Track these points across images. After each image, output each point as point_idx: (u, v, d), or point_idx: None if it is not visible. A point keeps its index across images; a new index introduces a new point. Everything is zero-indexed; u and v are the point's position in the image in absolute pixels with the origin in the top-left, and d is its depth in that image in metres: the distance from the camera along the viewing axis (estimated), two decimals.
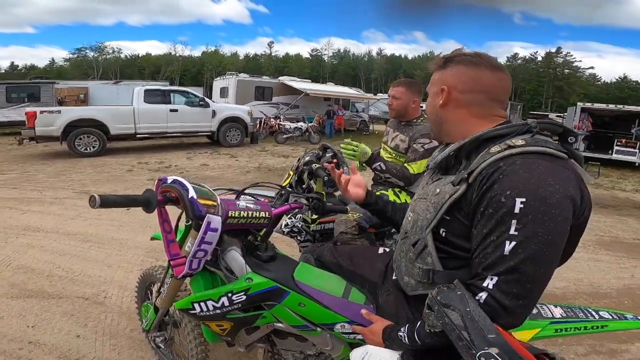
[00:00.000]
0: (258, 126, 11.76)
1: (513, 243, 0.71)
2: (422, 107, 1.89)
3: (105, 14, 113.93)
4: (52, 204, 4.46)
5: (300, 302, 1.11)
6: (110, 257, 2.97)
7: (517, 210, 0.71)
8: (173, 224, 1.19)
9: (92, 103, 13.45)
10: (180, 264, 1.13)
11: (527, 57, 65.34)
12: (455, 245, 0.84)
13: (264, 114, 13.03)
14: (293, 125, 12.09)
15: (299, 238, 1.98)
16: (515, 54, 68.40)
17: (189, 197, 1.03)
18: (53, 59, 70.51)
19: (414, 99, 2.04)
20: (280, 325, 1.18)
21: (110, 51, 63.00)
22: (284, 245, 2.57)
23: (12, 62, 71.52)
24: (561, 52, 59.52)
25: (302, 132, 12.03)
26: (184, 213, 1.15)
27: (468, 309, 0.71)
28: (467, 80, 0.90)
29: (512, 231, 0.71)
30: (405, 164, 1.98)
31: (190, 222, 1.16)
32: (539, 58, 62.57)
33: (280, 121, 12.42)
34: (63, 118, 7.74)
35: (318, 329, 1.13)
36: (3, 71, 66.50)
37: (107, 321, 2.12)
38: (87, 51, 61.30)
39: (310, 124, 12.48)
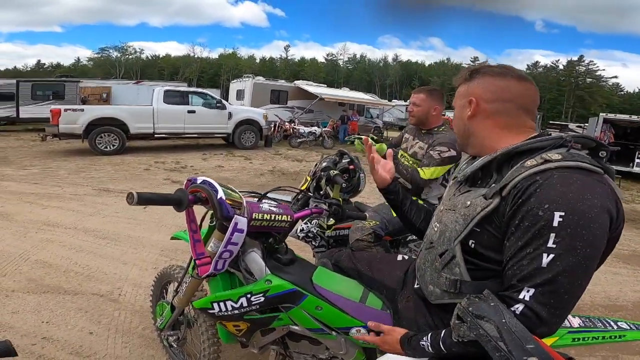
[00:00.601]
0: (272, 129, 11.85)
1: (551, 256, 0.72)
2: (444, 115, 1.87)
3: (128, 15, 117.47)
4: (71, 200, 4.59)
5: (318, 306, 1.12)
6: (126, 255, 3.03)
7: (555, 223, 0.72)
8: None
9: (113, 102, 13.81)
10: (205, 264, 1.15)
11: (548, 66, 64.35)
12: (484, 257, 0.85)
13: (279, 118, 13.17)
14: (307, 129, 12.15)
15: (313, 243, 1.99)
16: (537, 62, 67.55)
17: (218, 197, 1.05)
18: (78, 58, 72.88)
19: (434, 107, 2.02)
20: (295, 327, 1.19)
21: (132, 51, 64.81)
22: (297, 250, 2.56)
23: (39, 60, 74.28)
24: (583, 61, 58.17)
25: (316, 137, 12.07)
26: (207, 213, 1.18)
27: (504, 320, 0.72)
28: (494, 90, 0.91)
29: (550, 244, 0.72)
30: (418, 168, 1.95)
31: (214, 223, 1.19)
32: (561, 66, 61.48)
33: (294, 125, 12.51)
34: (86, 116, 7.97)
35: (333, 332, 1.14)
36: (29, 69, 69.08)
37: (120, 319, 2.15)
38: (111, 51, 63.22)
39: (324, 129, 12.52)
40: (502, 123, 0.91)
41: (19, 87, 13.49)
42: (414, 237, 2.00)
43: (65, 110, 7.94)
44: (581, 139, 0.84)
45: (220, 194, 1.06)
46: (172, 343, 1.59)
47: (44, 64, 72.71)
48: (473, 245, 0.86)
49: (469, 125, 0.95)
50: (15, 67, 73.42)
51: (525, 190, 0.76)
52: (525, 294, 0.75)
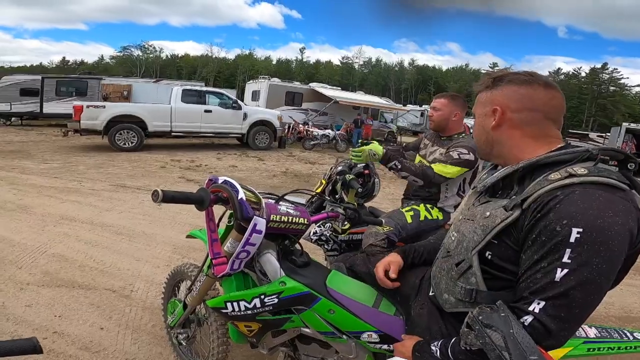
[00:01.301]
0: (286, 131, 11.90)
1: (565, 270, 0.72)
2: (469, 125, 1.82)
3: (150, 14, 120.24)
4: (89, 194, 4.70)
5: (330, 309, 1.12)
6: (140, 251, 3.08)
7: (572, 239, 0.71)
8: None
9: (134, 100, 14.13)
10: (222, 263, 1.16)
11: (570, 73, 62.76)
12: (501, 268, 0.84)
13: (293, 120, 13.21)
14: (321, 132, 12.16)
15: (326, 247, 1.99)
16: (559, 68, 65.82)
17: (239, 198, 1.06)
18: (102, 56, 74.98)
19: (455, 112, 1.96)
20: (307, 330, 1.19)
21: (153, 50, 66.19)
22: (308, 252, 2.55)
23: (64, 57, 76.86)
24: (607, 68, 56.53)
25: (329, 140, 12.08)
26: (225, 213, 1.19)
27: (511, 331, 0.72)
28: (520, 99, 0.88)
29: (565, 259, 0.72)
30: (432, 164, 1.88)
31: (231, 223, 1.20)
32: (583, 74, 59.80)
33: (308, 127, 12.53)
34: (107, 113, 8.19)
35: (344, 336, 1.14)
36: (54, 66, 71.44)
37: (131, 315, 2.18)
38: (133, 49, 64.62)
39: (337, 132, 12.51)
40: (528, 133, 0.88)
41: (44, 83, 13.97)
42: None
43: (87, 106, 8.16)
44: (609, 152, 0.81)
45: (241, 194, 1.07)
46: (182, 341, 1.60)
47: (69, 61, 75.31)
48: (490, 256, 0.85)
49: (492, 135, 0.93)
50: (41, 63, 76.25)
51: (545, 204, 0.75)
52: (536, 306, 0.74)
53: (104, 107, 8.42)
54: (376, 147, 1.83)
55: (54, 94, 14.09)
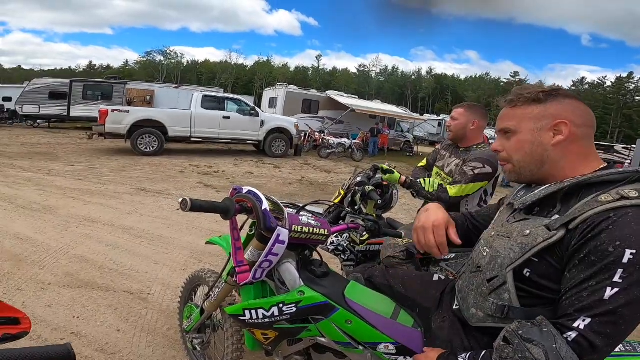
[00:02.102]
0: (302, 139, 11.95)
1: (616, 289, 0.71)
2: (488, 136, 1.81)
3: (171, 20, 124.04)
4: (111, 197, 4.84)
5: (348, 319, 1.12)
6: (158, 255, 3.14)
7: (625, 260, 0.71)
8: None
9: (155, 105, 14.53)
10: (245, 271, 1.18)
11: (594, 82, 61.00)
12: (539, 285, 0.83)
13: (309, 127, 13.29)
14: (337, 140, 12.19)
15: (342, 257, 1.99)
16: (583, 78, 64.05)
17: (263, 208, 1.08)
18: (127, 61, 77.37)
19: (473, 121, 1.94)
20: (322, 339, 1.19)
21: (175, 56, 67.69)
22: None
23: (91, 62, 79.93)
24: (633, 77, 54.67)
25: (345, 149, 12.08)
26: (246, 222, 1.21)
27: (554, 346, 0.72)
28: (582, 114, 0.88)
29: (615, 279, 0.72)
30: (447, 186, 1.89)
31: (252, 232, 1.22)
32: (608, 83, 58.06)
33: (324, 136, 12.57)
34: (130, 117, 8.46)
35: (360, 347, 1.13)
36: (82, 70, 74.30)
37: (147, 317, 2.21)
38: (155, 54, 66.14)
39: (353, 141, 12.48)
40: (583, 150, 0.87)
41: (72, 87, 14.54)
42: (446, 257, 1.95)
43: (113, 110, 8.46)
44: None
45: (265, 205, 1.09)
46: (196, 346, 1.62)
47: (95, 65, 78.16)
48: (528, 274, 0.84)
49: (551, 152, 0.88)
50: (70, 67, 79.47)
51: (597, 226, 0.74)
52: (581, 323, 0.74)
53: (128, 111, 8.70)
54: (394, 178, 1.95)
55: (81, 97, 14.62)
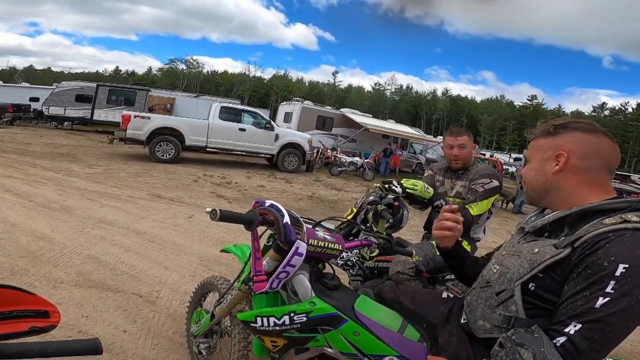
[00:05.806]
0: (315, 155, 12.00)
1: (607, 299, 0.76)
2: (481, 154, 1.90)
3: (193, 28, 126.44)
4: (127, 202, 4.97)
5: (356, 331, 1.16)
6: (169, 260, 3.21)
7: (618, 273, 0.76)
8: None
9: (175, 113, 14.83)
10: (262, 280, 1.23)
11: (616, 108, 59.19)
12: (543, 298, 0.89)
13: (322, 144, 13.36)
14: (349, 159, 12.19)
15: (351, 272, 2.03)
16: (604, 103, 62.54)
17: (284, 222, 1.15)
18: (150, 68, 79.18)
19: (473, 145, 2.11)
20: (329, 350, 1.23)
21: (196, 65, 68.50)
22: None
23: (117, 67, 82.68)
24: None
25: (357, 168, 12.06)
26: (265, 232, 1.28)
27: (542, 349, 0.77)
28: (587, 147, 0.92)
29: (608, 289, 0.76)
30: (466, 206, 1.97)
31: (270, 243, 1.28)
32: (630, 109, 56.03)
33: (336, 153, 12.61)
34: (151, 124, 8.66)
35: (366, 358, 1.17)
36: (108, 74, 76.67)
37: (154, 320, 2.25)
38: (177, 63, 66.97)
39: (365, 160, 12.47)
40: (588, 180, 0.92)
41: (98, 91, 15.03)
42: (452, 276, 1.99)
43: (135, 116, 8.67)
44: None
45: (286, 218, 1.16)
46: (202, 350, 1.65)
47: (121, 70, 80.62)
48: (533, 288, 0.89)
49: (552, 180, 0.96)
50: (97, 71, 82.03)
51: (596, 243, 0.80)
52: (572, 328, 0.78)
53: (149, 118, 8.91)
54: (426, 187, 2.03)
55: (105, 101, 15.05)
